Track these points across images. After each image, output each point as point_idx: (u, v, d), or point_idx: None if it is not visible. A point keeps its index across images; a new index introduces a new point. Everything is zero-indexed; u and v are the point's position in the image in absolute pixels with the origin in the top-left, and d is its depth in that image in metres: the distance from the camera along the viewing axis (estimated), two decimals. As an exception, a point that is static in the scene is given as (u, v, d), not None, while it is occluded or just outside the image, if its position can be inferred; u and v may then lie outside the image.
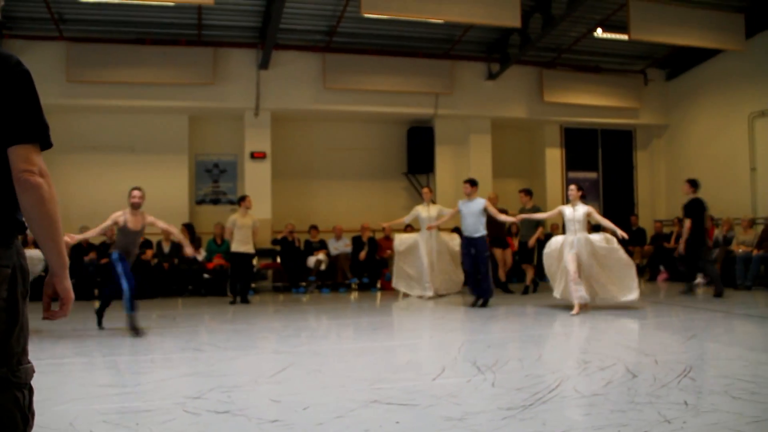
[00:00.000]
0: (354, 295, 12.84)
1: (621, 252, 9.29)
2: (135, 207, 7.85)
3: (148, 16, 12.65)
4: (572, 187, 9.61)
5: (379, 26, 13.53)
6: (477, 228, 10.05)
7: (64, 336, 7.60)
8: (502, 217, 10.41)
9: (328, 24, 13.48)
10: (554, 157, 16.41)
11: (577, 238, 9.24)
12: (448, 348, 6.73)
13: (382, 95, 14.44)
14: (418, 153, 15.31)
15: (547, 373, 5.24)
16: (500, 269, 12.52)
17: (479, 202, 10.09)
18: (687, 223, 11.11)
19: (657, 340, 7.32)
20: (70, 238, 7.75)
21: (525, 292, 11.97)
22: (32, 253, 7.52)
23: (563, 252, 9.35)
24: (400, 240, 12.08)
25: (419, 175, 15.58)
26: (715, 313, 9.30)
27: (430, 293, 11.55)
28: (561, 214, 9.64)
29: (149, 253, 12.55)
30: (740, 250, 12.38)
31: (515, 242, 14.67)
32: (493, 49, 14.97)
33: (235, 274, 11.58)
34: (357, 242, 13.83)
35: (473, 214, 10.04)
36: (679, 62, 16.14)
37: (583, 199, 9.54)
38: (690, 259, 11.28)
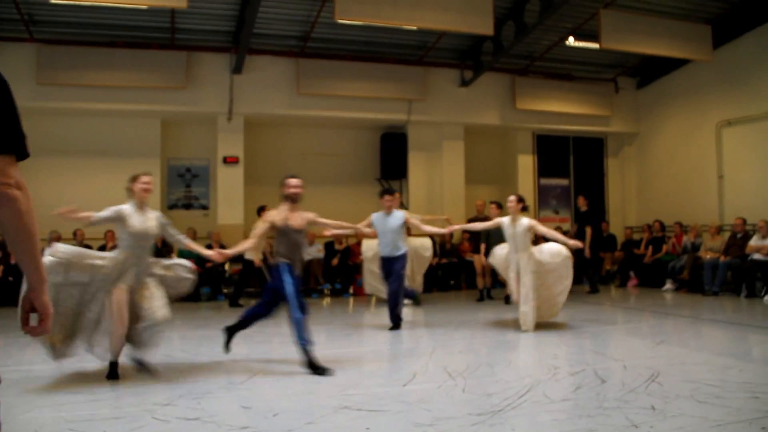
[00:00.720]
0: (326, 300, 12.82)
1: (565, 270, 8.17)
2: (294, 200, 6.18)
3: (121, 19, 12.54)
4: (511, 198, 8.38)
5: (353, 32, 13.55)
6: (397, 246, 8.57)
7: (32, 343, 7.49)
8: (428, 229, 8.90)
9: (302, 29, 13.48)
10: (526, 164, 16.54)
11: (519, 258, 8.13)
12: (419, 354, 6.76)
13: (356, 101, 14.46)
14: (391, 159, 15.34)
15: (517, 379, 5.29)
16: (479, 277, 12.32)
17: (399, 216, 8.61)
18: (590, 230, 13.19)
19: (626, 346, 7.41)
20: (220, 254, 6.33)
21: (507, 301, 11.64)
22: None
23: (508, 262, 8.39)
24: (368, 246, 11.55)
25: (392, 180, 15.60)
26: (684, 318, 9.44)
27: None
28: (500, 227, 8.55)
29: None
30: (708, 257, 12.57)
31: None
32: (466, 56, 15.07)
33: (243, 279, 11.77)
34: (329, 248, 13.81)
35: (393, 231, 8.55)
36: (649, 71, 16.38)
37: (525, 211, 8.41)
38: (586, 261, 13.13)
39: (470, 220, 12.24)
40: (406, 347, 7.70)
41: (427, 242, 11.61)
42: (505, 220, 8.34)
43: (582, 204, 13.69)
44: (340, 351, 7.23)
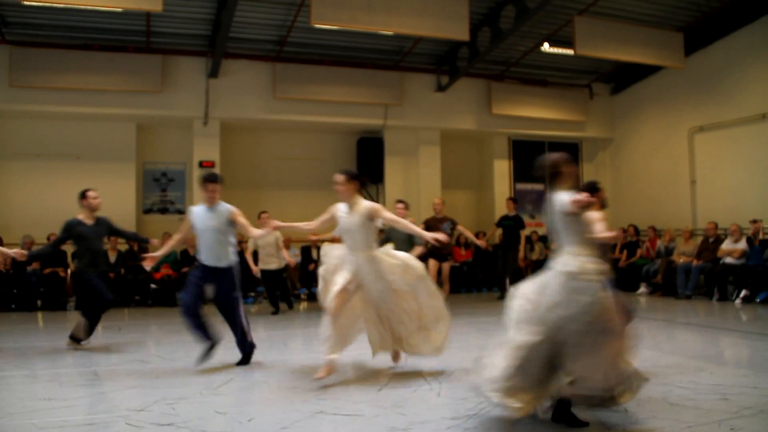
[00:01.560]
0: (303, 305, 12.78)
1: (425, 294, 5.80)
2: None
3: (96, 22, 12.44)
4: (337, 177, 5.93)
5: (330, 37, 13.54)
6: (221, 251, 6.36)
7: (4, 349, 7.41)
8: (256, 233, 6.61)
9: (279, 34, 13.46)
10: (502, 169, 16.64)
11: (357, 260, 5.70)
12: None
13: (332, 105, 14.45)
14: (368, 163, 15.33)
15: (492, 383, 5.30)
16: (445, 283, 11.01)
17: (223, 211, 6.43)
18: (523, 235, 13.15)
19: (600, 349, 7.46)
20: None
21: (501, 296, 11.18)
22: None
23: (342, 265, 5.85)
24: (325, 252, 10.41)
25: (369, 185, 15.61)
26: (657, 321, 9.54)
27: None
28: (334, 220, 5.97)
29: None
30: (681, 261, 12.73)
31: (462, 251, 14.84)
32: (443, 62, 15.14)
33: (269, 289, 11.47)
34: (306, 252, 13.78)
35: (213, 230, 6.32)
36: (623, 77, 16.56)
37: (364, 187, 6.06)
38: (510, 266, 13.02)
39: (426, 221, 11.26)
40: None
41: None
42: (341, 208, 5.92)
43: (511, 208, 13.24)
44: (316, 356, 7.22)
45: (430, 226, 10.76)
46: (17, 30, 12.42)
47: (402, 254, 5.90)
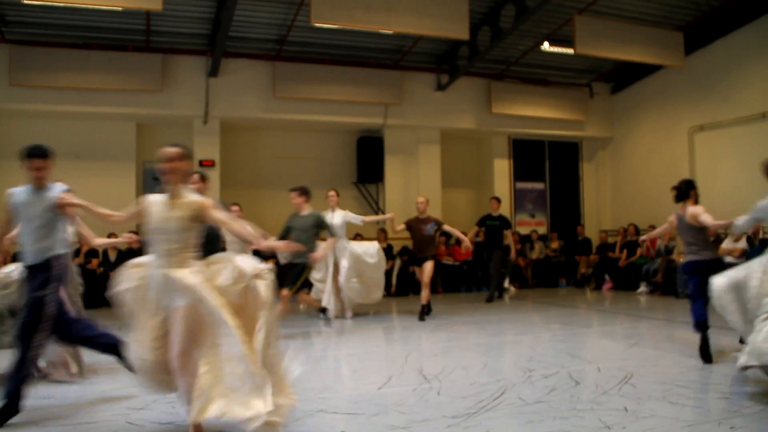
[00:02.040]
0: (302, 305, 12.75)
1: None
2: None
3: (95, 21, 12.43)
4: (170, 151, 4.61)
5: (330, 36, 13.54)
6: (40, 250, 4.74)
7: (2, 348, 7.39)
8: (101, 212, 4.72)
9: (279, 33, 13.45)
10: (502, 168, 16.63)
11: (162, 277, 3.97)
12: (394, 357, 6.77)
13: (332, 105, 14.45)
14: (368, 163, 15.35)
15: (491, 381, 5.31)
16: (423, 289, 10.10)
17: (48, 197, 4.91)
18: (514, 236, 13.08)
19: (600, 348, 7.48)
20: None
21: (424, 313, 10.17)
22: None
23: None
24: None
25: (369, 184, 15.63)
26: (657, 321, 9.54)
27: (330, 315, 9.96)
28: (143, 215, 4.35)
29: (95, 262, 12.30)
30: (681, 260, 12.70)
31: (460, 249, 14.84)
32: (443, 61, 15.13)
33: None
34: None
35: (38, 219, 4.82)
36: (623, 77, 16.55)
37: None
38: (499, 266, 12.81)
39: (408, 222, 10.28)
40: (381, 350, 7.70)
41: (372, 247, 10.56)
42: (155, 200, 4.41)
43: (495, 208, 12.77)
44: (315, 354, 7.23)
45: (411, 226, 10.12)
46: (17, 29, 12.41)
47: (238, 259, 4.10)
